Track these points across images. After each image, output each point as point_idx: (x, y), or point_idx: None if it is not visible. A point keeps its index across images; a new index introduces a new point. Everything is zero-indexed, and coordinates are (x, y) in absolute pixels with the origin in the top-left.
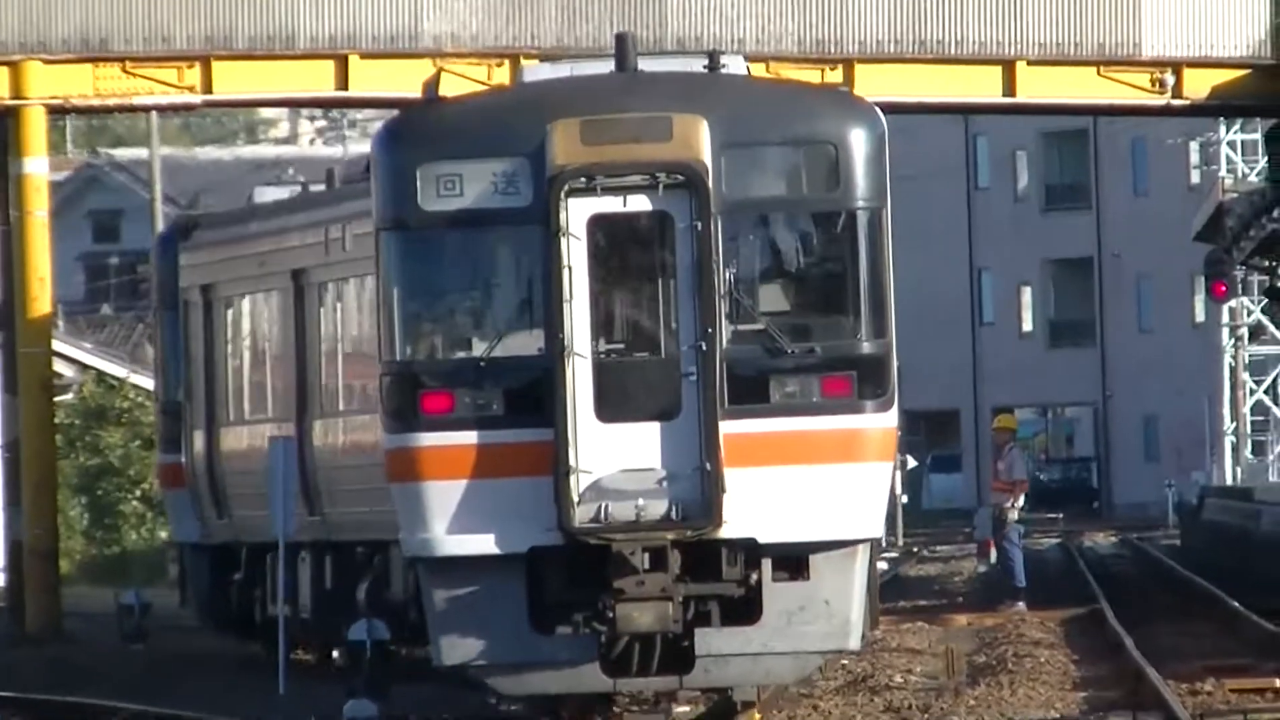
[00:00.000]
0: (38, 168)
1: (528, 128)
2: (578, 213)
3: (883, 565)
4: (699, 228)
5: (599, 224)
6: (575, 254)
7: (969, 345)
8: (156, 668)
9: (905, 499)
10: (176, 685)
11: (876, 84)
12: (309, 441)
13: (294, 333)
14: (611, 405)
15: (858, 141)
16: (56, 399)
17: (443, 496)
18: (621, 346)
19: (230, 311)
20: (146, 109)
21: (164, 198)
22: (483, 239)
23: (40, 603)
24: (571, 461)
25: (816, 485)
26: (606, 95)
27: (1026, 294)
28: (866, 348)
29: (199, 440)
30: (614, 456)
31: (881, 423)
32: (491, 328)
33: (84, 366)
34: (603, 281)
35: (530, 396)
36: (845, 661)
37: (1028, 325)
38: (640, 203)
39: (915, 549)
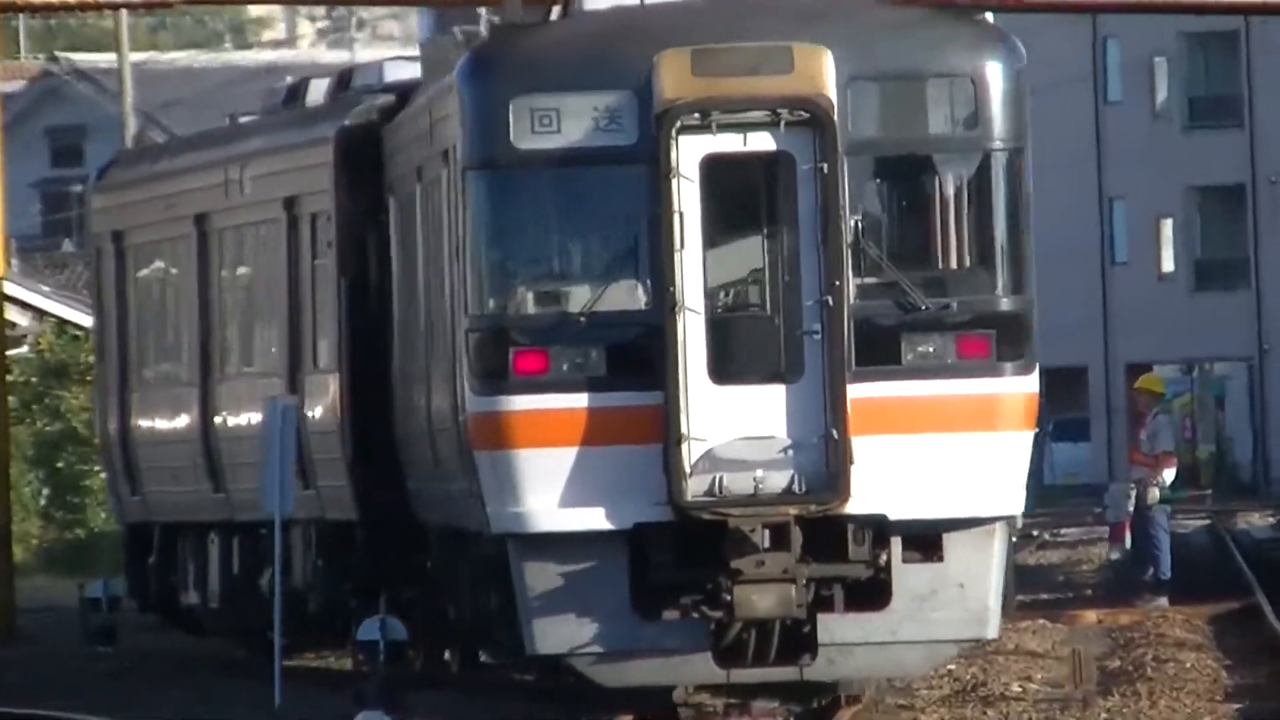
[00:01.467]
0: None
1: (632, 58)
2: (689, 152)
3: None
4: (824, 170)
5: (713, 164)
6: (687, 197)
7: (1098, 290)
8: (127, 674)
9: None
10: (151, 695)
11: None
12: (211, 408)
13: (196, 287)
14: (726, 366)
15: (997, 76)
16: (9, 353)
17: (536, 466)
18: (738, 300)
19: (140, 262)
20: (114, 6)
21: (136, 112)
22: (583, 180)
23: None
24: (683, 428)
25: (951, 456)
26: (719, 22)
27: (1167, 228)
28: (1005, 304)
29: (112, 408)
30: (729, 423)
31: (1022, 387)
32: (592, 280)
33: (41, 314)
34: (716, 228)
35: (636, 356)
36: (952, 666)
37: (1168, 265)
38: (761, 141)
39: (1035, 532)
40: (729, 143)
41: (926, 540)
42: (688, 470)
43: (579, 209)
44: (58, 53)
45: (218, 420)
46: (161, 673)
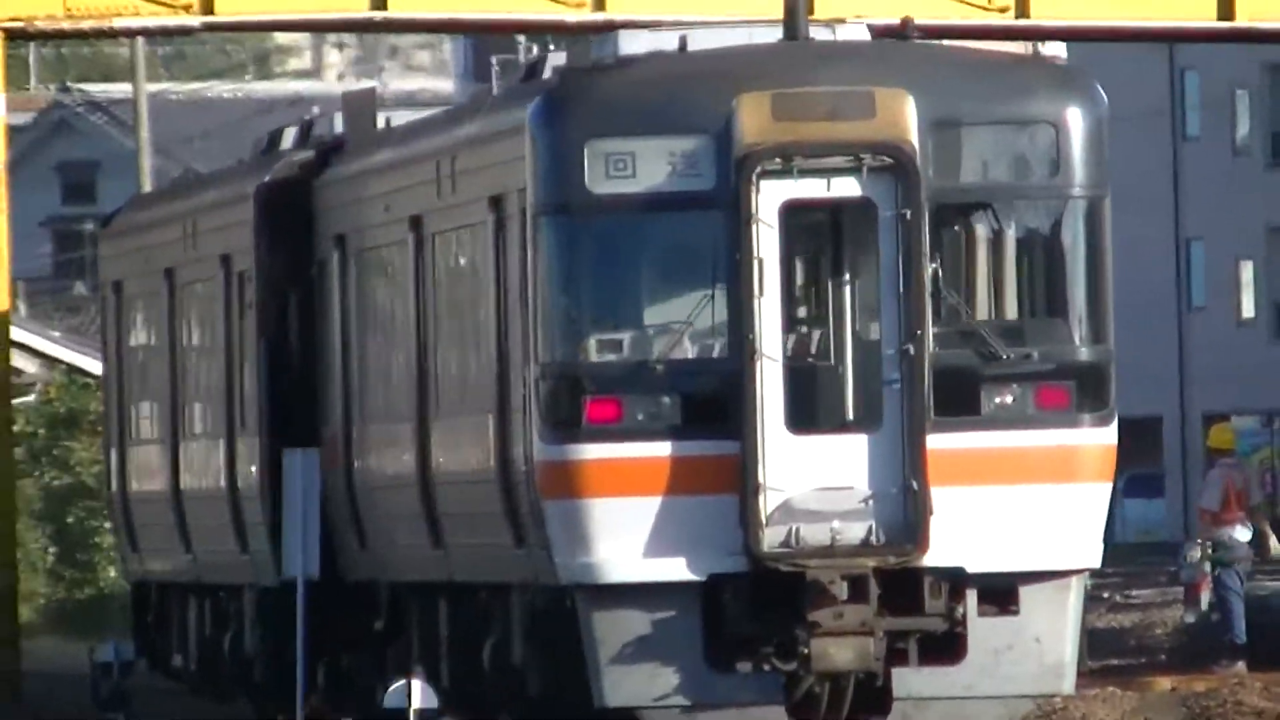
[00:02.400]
0: None
1: (709, 101)
2: (770, 197)
3: None
4: (907, 217)
5: (793, 210)
6: (766, 244)
7: (1174, 336)
8: None
9: None
10: None
11: (1056, 6)
12: (178, 469)
13: (167, 344)
14: (804, 415)
15: (1079, 122)
16: (15, 401)
17: (608, 515)
18: (816, 349)
19: (130, 314)
20: (130, 33)
21: (152, 147)
22: (659, 225)
23: None
24: (760, 478)
25: (1028, 508)
26: (797, 66)
27: (1247, 271)
28: (1085, 354)
29: (114, 462)
30: (806, 472)
31: (1101, 439)
32: (666, 327)
33: (51, 361)
34: (795, 275)
35: (711, 404)
36: None
37: (1249, 310)
38: (845, 187)
39: (1106, 593)
40: (809, 188)
41: (1002, 593)
42: (764, 520)
43: (654, 254)
44: (70, 83)
45: (184, 481)
46: None
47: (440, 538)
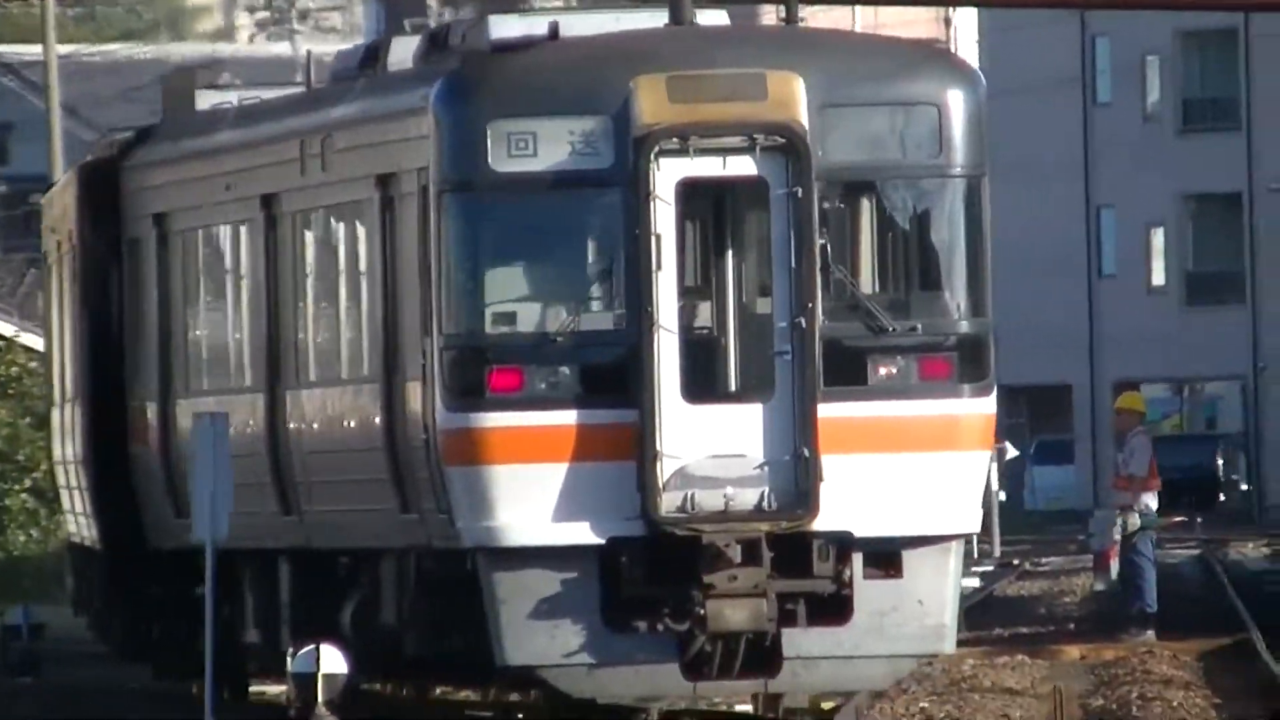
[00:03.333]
0: None
1: (608, 83)
2: (667, 175)
3: (973, 581)
4: (799, 195)
5: (689, 188)
6: (663, 220)
7: (1084, 304)
8: (51, 708)
9: (1003, 497)
10: None
11: None
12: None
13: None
14: (700, 385)
15: (960, 104)
16: None
17: (510, 481)
18: (711, 322)
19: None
20: None
21: (64, 108)
22: (559, 203)
23: None
24: (657, 446)
25: (912, 475)
26: (693, 50)
27: (1158, 238)
28: (965, 327)
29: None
30: (702, 440)
31: (981, 408)
32: (566, 300)
33: None
34: (691, 250)
35: (610, 374)
36: (925, 703)
37: (1159, 278)
38: (739, 166)
39: (1015, 560)
40: (704, 167)
41: (886, 557)
42: (661, 486)
43: (555, 231)
44: None
45: (54, 449)
46: (85, 707)
47: (293, 505)
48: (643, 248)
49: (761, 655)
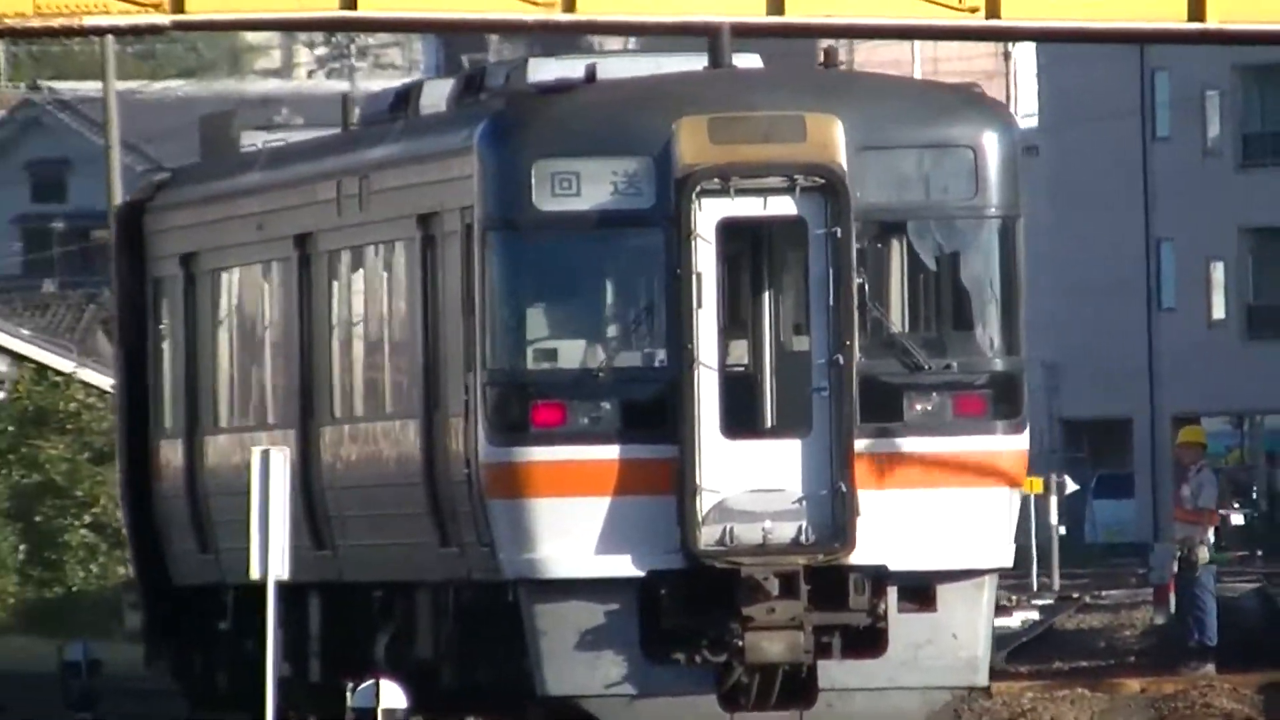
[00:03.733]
0: None
1: (650, 125)
2: (708, 215)
3: (1032, 614)
4: (837, 234)
5: (729, 228)
6: (704, 259)
7: (1144, 337)
8: None
9: (1063, 530)
10: None
11: (1027, 6)
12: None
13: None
14: (739, 420)
15: (994, 147)
16: None
17: (552, 514)
18: (750, 359)
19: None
20: (100, 31)
21: (123, 145)
22: (601, 241)
23: None
24: (697, 480)
25: (946, 510)
26: (733, 92)
27: (1218, 272)
28: (999, 365)
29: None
30: (740, 475)
31: (1014, 445)
32: (608, 336)
33: (20, 359)
34: (731, 288)
35: (651, 410)
36: None
37: (1219, 312)
38: (779, 206)
39: (1075, 594)
40: (745, 207)
41: (921, 591)
42: (701, 520)
43: (598, 269)
44: (40, 82)
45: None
46: None
47: (325, 539)
48: (684, 286)
49: (798, 687)
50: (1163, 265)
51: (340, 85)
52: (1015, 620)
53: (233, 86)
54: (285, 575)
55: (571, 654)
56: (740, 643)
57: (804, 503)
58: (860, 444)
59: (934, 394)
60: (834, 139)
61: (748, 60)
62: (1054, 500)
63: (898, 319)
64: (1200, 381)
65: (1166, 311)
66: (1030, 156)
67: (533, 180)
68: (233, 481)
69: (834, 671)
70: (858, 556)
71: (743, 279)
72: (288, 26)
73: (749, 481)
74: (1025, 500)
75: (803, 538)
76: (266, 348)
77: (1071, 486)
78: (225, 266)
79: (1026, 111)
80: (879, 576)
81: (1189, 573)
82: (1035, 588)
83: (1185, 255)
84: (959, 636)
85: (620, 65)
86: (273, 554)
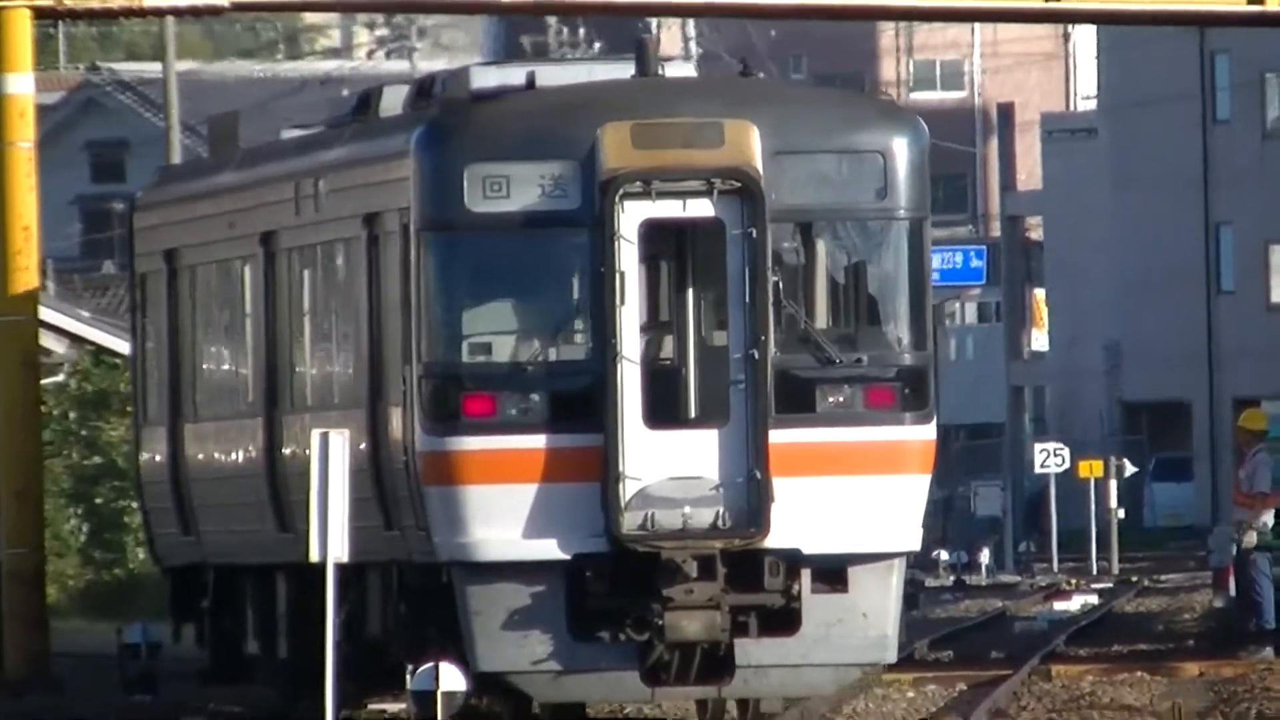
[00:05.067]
0: (22, 86)
1: (576, 130)
2: (630, 216)
3: (1092, 598)
4: (753, 235)
5: (651, 228)
6: (627, 258)
7: (1203, 320)
8: None
9: (1122, 514)
10: None
11: None
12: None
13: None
14: (660, 411)
15: (903, 151)
16: (44, 382)
17: (483, 500)
18: (671, 353)
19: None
20: (159, 12)
21: (182, 126)
22: (530, 241)
23: (22, 641)
24: (620, 468)
25: (857, 496)
26: (654, 99)
27: (1277, 254)
28: (908, 359)
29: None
30: (661, 463)
31: (922, 435)
32: (537, 332)
33: (79, 340)
34: (653, 286)
35: (577, 401)
36: None
37: (1278, 295)
38: (698, 208)
39: (1134, 577)
40: (666, 209)
41: (833, 572)
42: (624, 506)
43: (526, 267)
44: (99, 63)
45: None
46: None
47: (288, 522)
48: (607, 284)
49: (716, 663)
50: (1222, 248)
51: (400, 66)
52: (1075, 604)
53: (291, 67)
54: (345, 557)
55: (502, 633)
56: (661, 622)
57: (721, 490)
58: (775, 434)
59: (846, 386)
60: (750, 144)
61: (680, 69)
62: (1113, 484)
63: (812, 315)
64: (1259, 364)
65: (1225, 294)
66: (1089, 139)
67: (465, 183)
68: (209, 467)
69: (750, 649)
70: (773, 540)
71: (667, 277)
72: (345, 8)
73: (670, 469)
74: (1084, 484)
75: (720, 523)
76: (239, 340)
77: (1131, 469)
78: (202, 262)
79: (1086, 94)
80: (793, 559)
81: (1245, 556)
82: (1095, 571)
83: (1245, 238)
84: (869, 616)
85: (559, 72)
86: (332, 536)
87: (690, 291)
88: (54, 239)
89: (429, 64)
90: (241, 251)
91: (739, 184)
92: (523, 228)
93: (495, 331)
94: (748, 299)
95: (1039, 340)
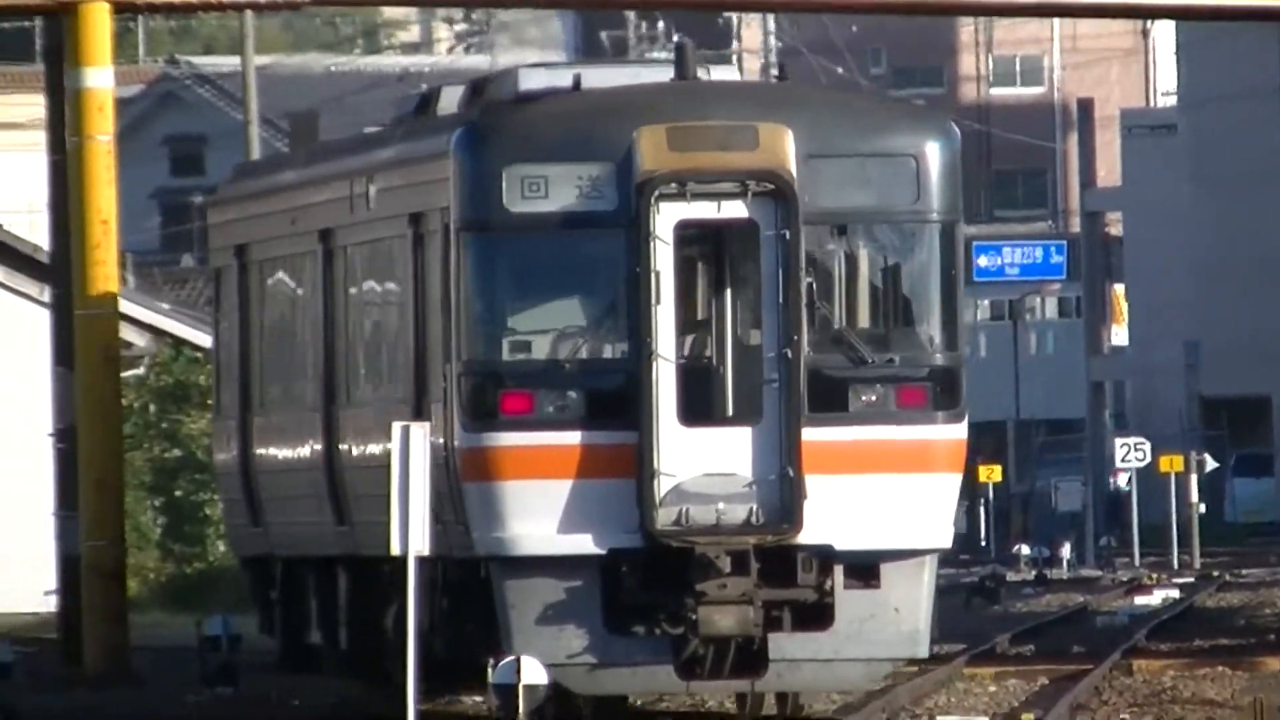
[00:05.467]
0: (101, 80)
1: (613, 133)
2: (666, 217)
3: (1173, 592)
4: (787, 236)
5: (686, 229)
6: (662, 258)
7: None
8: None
9: (1203, 509)
10: None
11: None
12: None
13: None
14: (695, 409)
15: (935, 155)
16: (124, 374)
17: (520, 496)
18: (706, 352)
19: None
20: (238, 7)
21: (260, 120)
22: (568, 241)
23: (102, 634)
24: (655, 465)
25: (889, 494)
26: (690, 103)
27: None
28: (939, 360)
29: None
30: (696, 460)
31: (953, 434)
32: (574, 330)
33: (159, 333)
34: (688, 286)
35: (613, 399)
36: (1125, 715)
37: None
38: (732, 209)
39: (1215, 572)
40: (700, 210)
41: (866, 569)
42: (658, 502)
43: (564, 267)
44: (178, 56)
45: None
46: (285, 718)
47: (345, 516)
48: (643, 284)
49: (749, 658)
50: None
51: (480, 61)
52: (1156, 598)
53: (370, 61)
54: (426, 550)
55: (539, 626)
56: (695, 616)
57: (754, 486)
58: (808, 432)
59: (878, 386)
60: (784, 147)
61: (724, 72)
62: (1194, 479)
63: (844, 316)
64: None
65: None
66: (1169, 134)
67: (504, 183)
68: (274, 460)
69: (784, 643)
70: (805, 536)
71: (704, 278)
72: (423, 2)
73: (704, 466)
74: (1165, 479)
75: (753, 519)
76: (300, 336)
77: (1211, 464)
78: (268, 258)
79: (1165, 90)
80: (826, 555)
81: None
82: (1176, 566)
83: None
84: (901, 611)
85: (606, 75)
86: (413, 529)
87: (725, 292)
88: (133, 232)
89: (509, 59)
90: (302, 248)
91: (773, 186)
92: (560, 228)
93: (533, 330)
94: (781, 299)
95: (1119, 335)
